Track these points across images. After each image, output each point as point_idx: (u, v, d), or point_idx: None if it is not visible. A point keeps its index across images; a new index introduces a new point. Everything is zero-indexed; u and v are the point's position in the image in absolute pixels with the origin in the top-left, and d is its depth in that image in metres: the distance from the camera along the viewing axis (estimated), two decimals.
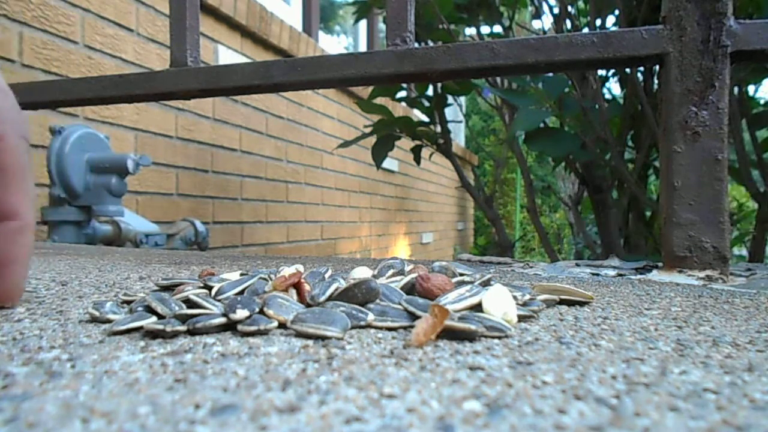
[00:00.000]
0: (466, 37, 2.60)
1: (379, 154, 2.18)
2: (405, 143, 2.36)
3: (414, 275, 0.52)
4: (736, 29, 0.79)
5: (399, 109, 4.63)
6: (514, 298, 0.48)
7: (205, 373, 0.31)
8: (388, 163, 5.13)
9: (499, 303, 0.44)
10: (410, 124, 2.14)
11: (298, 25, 4.40)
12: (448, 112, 2.33)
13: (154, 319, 0.41)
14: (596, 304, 0.55)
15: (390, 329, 0.42)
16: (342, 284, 0.47)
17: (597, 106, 1.78)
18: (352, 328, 0.42)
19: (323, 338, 0.39)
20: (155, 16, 2.39)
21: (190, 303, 0.44)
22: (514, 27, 2.24)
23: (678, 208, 0.80)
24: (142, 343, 0.37)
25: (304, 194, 3.72)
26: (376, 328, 0.42)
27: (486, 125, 9.45)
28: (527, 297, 0.51)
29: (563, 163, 2.10)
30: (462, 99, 3.11)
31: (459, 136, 8.53)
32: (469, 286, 0.47)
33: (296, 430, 0.24)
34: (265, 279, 0.52)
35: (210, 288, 0.49)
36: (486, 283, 0.53)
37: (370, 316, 0.42)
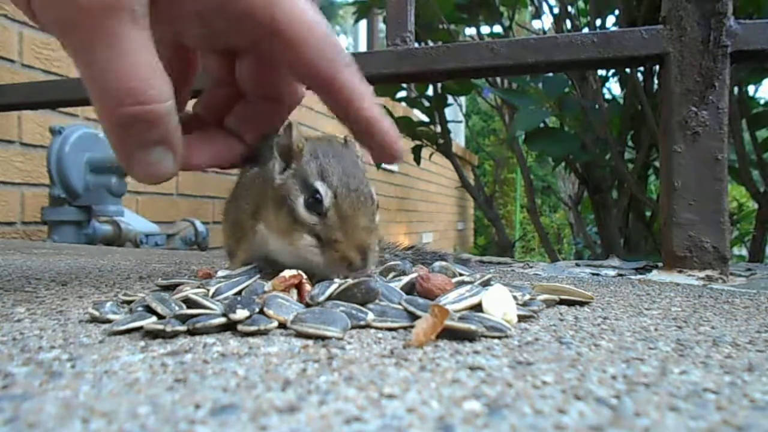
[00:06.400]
0: (466, 37, 2.60)
1: None
2: (405, 143, 2.36)
3: (414, 275, 0.52)
4: (736, 29, 0.78)
5: (399, 109, 4.63)
6: (514, 298, 0.48)
7: (205, 373, 0.31)
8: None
9: (499, 303, 0.44)
10: (410, 124, 2.14)
11: None
12: (448, 112, 2.33)
13: (154, 319, 0.41)
14: (596, 304, 0.55)
15: (390, 329, 0.42)
16: (342, 284, 0.46)
17: (597, 106, 1.78)
18: (352, 327, 0.42)
19: (323, 338, 0.39)
20: None
21: (189, 303, 0.44)
22: (514, 27, 2.24)
23: (678, 208, 0.80)
24: (142, 343, 0.37)
25: None
26: (376, 328, 0.42)
27: (486, 125, 9.45)
28: (527, 297, 0.51)
29: (563, 163, 2.10)
30: (462, 99, 3.11)
31: (459, 136, 8.54)
32: (469, 286, 0.47)
33: (296, 430, 0.24)
34: (264, 279, 0.52)
35: (208, 288, 0.49)
36: (486, 283, 0.53)
37: (370, 316, 0.42)
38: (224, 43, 0.56)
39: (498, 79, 2.17)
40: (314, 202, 0.50)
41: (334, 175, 0.51)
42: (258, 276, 0.51)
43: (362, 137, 0.55)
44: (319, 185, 0.50)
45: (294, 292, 0.47)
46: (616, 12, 1.90)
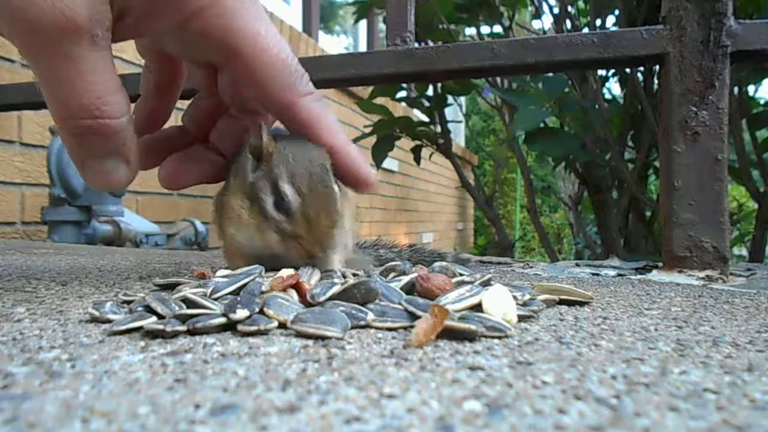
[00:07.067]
0: (466, 37, 2.59)
1: (379, 154, 2.17)
2: (405, 143, 2.36)
3: (414, 275, 0.52)
4: (736, 29, 0.78)
5: (399, 109, 4.63)
6: (514, 298, 0.48)
7: (205, 373, 0.31)
8: (388, 163, 5.13)
9: (499, 303, 0.44)
10: (410, 124, 2.14)
11: (298, 25, 4.40)
12: (448, 112, 2.32)
13: (154, 319, 0.41)
14: (596, 304, 0.55)
15: (390, 329, 0.42)
16: (342, 283, 0.46)
17: (597, 106, 1.78)
18: (352, 327, 0.42)
19: (323, 338, 0.39)
20: None
21: (189, 302, 0.44)
22: (514, 27, 2.24)
23: (678, 208, 0.80)
24: (142, 343, 0.37)
25: None
26: (376, 328, 0.42)
27: (486, 125, 9.45)
28: (527, 297, 0.51)
29: (563, 163, 2.10)
30: (462, 99, 3.11)
31: (459, 136, 8.53)
32: (469, 286, 0.47)
33: (296, 430, 0.24)
34: (261, 279, 0.52)
35: (207, 287, 0.49)
36: (486, 283, 0.53)
37: (370, 316, 0.42)
38: (201, 58, 0.58)
39: (498, 79, 2.17)
40: (282, 203, 0.56)
41: (301, 178, 0.56)
42: (257, 275, 0.51)
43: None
44: (287, 188, 0.56)
45: (293, 292, 0.47)
46: (616, 12, 1.90)
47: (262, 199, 0.57)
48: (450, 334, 0.39)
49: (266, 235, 0.58)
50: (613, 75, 2.10)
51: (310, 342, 0.38)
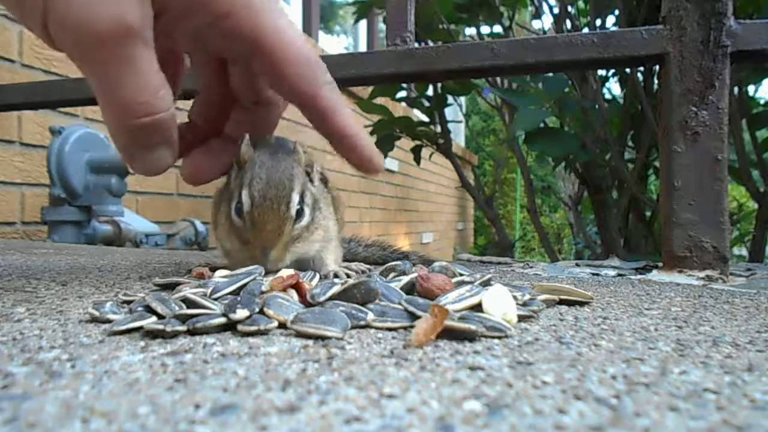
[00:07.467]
0: (466, 37, 2.59)
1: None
2: (405, 143, 2.36)
3: (414, 275, 0.52)
4: (736, 29, 0.78)
5: (399, 109, 4.63)
6: (514, 298, 0.48)
7: (205, 373, 0.31)
8: (388, 163, 5.12)
9: (499, 303, 0.44)
10: (410, 124, 2.14)
11: (298, 25, 4.39)
12: (448, 112, 2.32)
13: (154, 319, 0.41)
14: (596, 304, 0.55)
15: (390, 329, 0.42)
16: (342, 283, 0.46)
17: (597, 106, 1.78)
18: (352, 327, 0.42)
19: (323, 338, 0.39)
20: None
21: (189, 302, 0.44)
22: (514, 27, 2.24)
23: (678, 208, 0.80)
24: (142, 343, 0.37)
25: None
26: (376, 328, 0.42)
27: (486, 125, 9.45)
28: (527, 297, 0.51)
29: (563, 163, 2.10)
30: (462, 99, 3.11)
31: (459, 136, 8.53)
32: (469, 286, 0.47)
33: (296, 430, 0.24)
34: (261, 279, 0.52)
35: (207, 287, 0.49)
36: (486, 283, 0.53)
37: (370, 316, 0.42)
38: (216, 54, 0.59)
39: (498, 79, 2.17)
40: (239, 208, 0.59)
41: (257, 185, 0.58)
42: (257, 275, 0.51)
43: (341, 150, 0.59)
44: (244, 194, 0.59)
45: (293, 292, 0.47)
46: (616, 12, 1.90)
47: (230, 204, 0.60)
48: (450, 334, 0.39)
49: (233, 238, 0.62)
50: (613, 75, 2.10)
51: (310, 342, 0.38)
